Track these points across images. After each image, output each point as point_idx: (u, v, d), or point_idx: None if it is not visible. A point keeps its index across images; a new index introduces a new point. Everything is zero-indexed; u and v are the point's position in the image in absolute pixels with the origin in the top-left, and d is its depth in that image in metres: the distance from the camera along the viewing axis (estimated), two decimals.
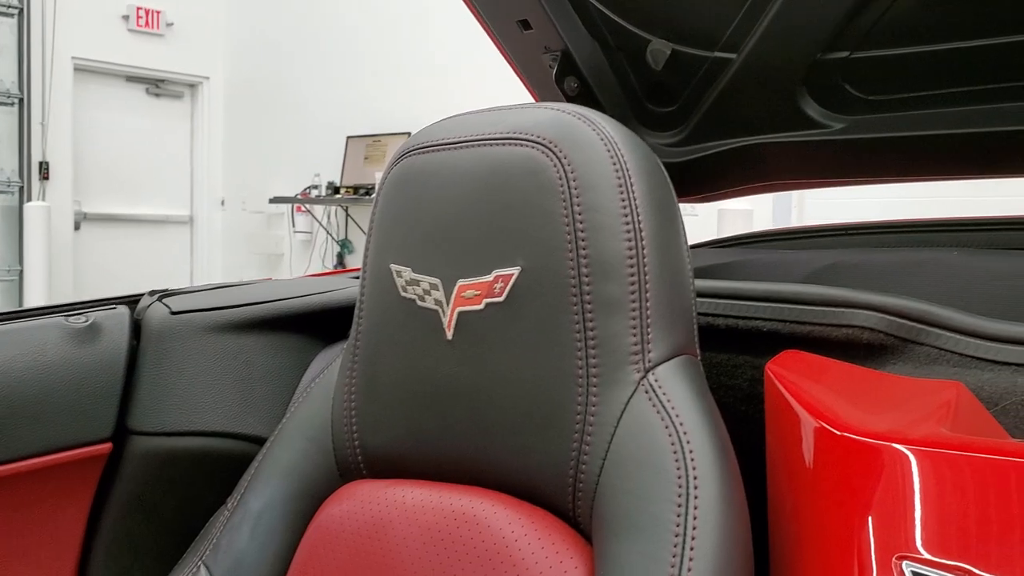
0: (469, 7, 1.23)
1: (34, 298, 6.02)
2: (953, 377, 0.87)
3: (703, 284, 1.01)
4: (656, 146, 1.30)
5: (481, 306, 0.76)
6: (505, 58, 1.28)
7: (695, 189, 1.32)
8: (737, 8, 1.11)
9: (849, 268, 1.16)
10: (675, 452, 0.68)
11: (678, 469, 0.67)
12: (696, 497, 0.66)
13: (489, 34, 1.26)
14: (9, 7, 6.01)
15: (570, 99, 1.24)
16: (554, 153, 0.73)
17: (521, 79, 1.30)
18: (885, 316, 0.90)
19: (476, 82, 5.08)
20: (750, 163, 1.23)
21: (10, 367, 0.93)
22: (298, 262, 6.59)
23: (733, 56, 1.16)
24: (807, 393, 0.83)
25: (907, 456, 0.76)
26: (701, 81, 1.21)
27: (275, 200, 6.37)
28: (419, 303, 0.79)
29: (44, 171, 6.26)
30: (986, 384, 0.85)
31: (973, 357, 0.86)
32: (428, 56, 5.49)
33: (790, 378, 0.86)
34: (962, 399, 0.84)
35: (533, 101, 0.80)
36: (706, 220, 3.84)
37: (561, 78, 1.22)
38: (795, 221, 4.77)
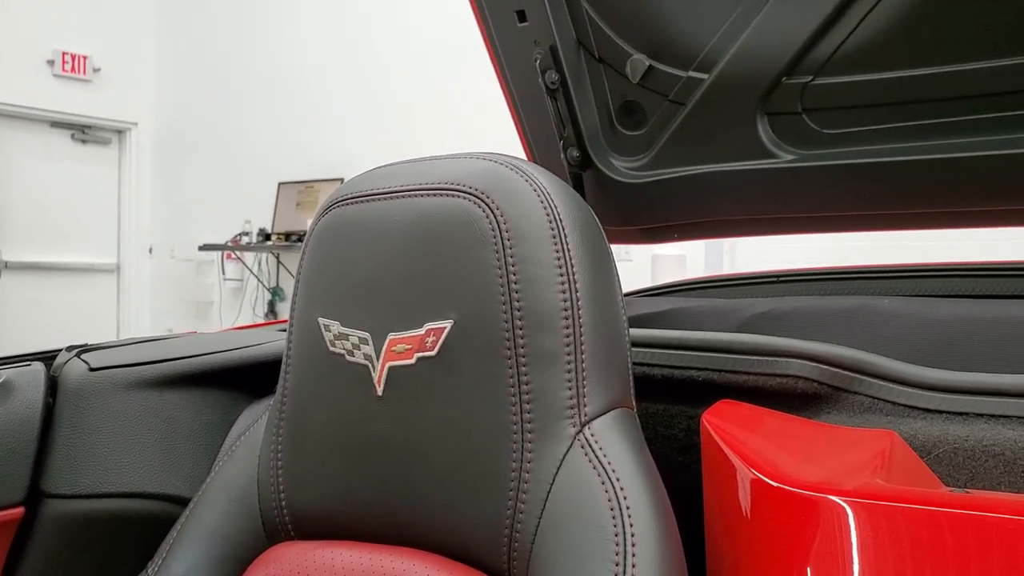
0: None
1: None
2: (887, 426, 0.87)
3: (638, 334, 1.00)
4: (621, 170, 1.31)
5: (412, 360, 0.74)
6: (490, 52, 1.32)
7: (648, 217, 1.33)
8: (717, 27, 1.14)
9: (783, 316, 1.17)
10: (612, 509, 0.66)
11: (615, 526, 0.66)
12: (634, 555, 0.64)
13: (482, 24, 1.30)
14: None
15: (549, 91, 1.26)
16: (487, 204, 0.72)
17: (500, 75, 1.34)
18: (818, 365, 0.90)
19: (410, 128, 5.09)
20: (702, 192, 1.25)
21: None
22: (228, 310, 6.47)
23: (705, 76, 1.18)
24: (743, 444, 0.83)
25: (843, 508, 0.76)
26: (672, 102, 1.24)
27: (205, 247, 6.26)
28: (348, 358, 0.77)
29: None
30: (919, 432, 0.85)
31: (906, 406, 0.87)
32: (361, 102, 5.49)
33: (726, 428, 0.85)
34: (896, 448, 0.84)
35: (467, 151, 0.79)
36: (641, 266, 3.87)
37: (544, 70, 1.25)
38: (727, 268, 4.84)
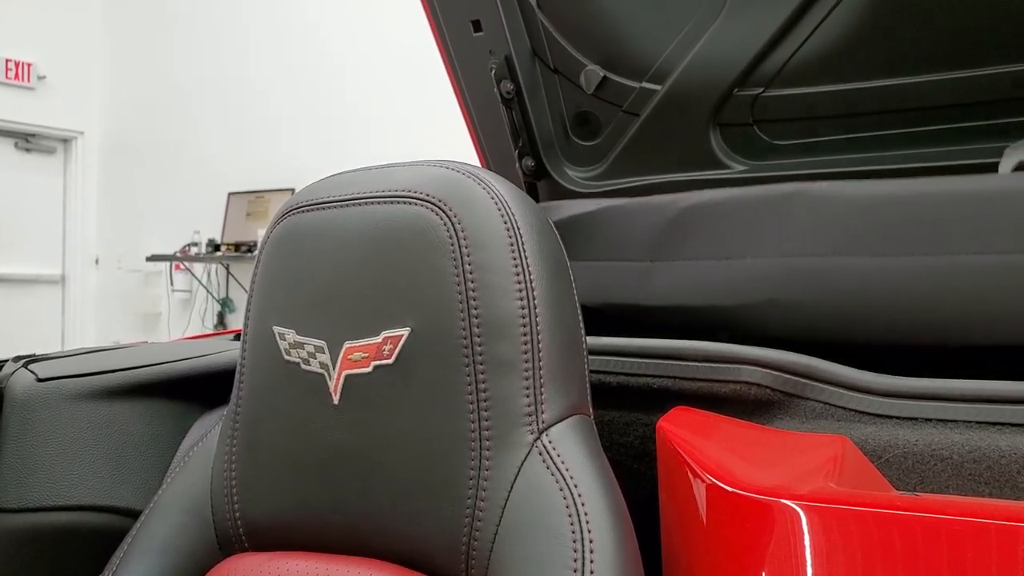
0: (425, 6, 1.27)
1: None
2: (838, 431, 0.89)
3: (595, 341, 1.01)
4: (575, 179, 1.32)
5: (369, 369, 0.73)
6: (445, 61, 1.32)
7: None
8: (670, 39, 1.16)
9: (713, 208, 1.12)
10: (569, 515, 0.66)
11: (573, 532, 0.66)
12: (592, 561, 0.65)
13: (437, 34, 1.31)
14: None
15: (505, 101, 1.27)
16: (444, 211, 0.72)
17: (456, 85, 1.34)
18: (770, 371, 0.92)
19: (365, 138, 5.07)
20: None
21: None
22: (177, 322, 6.37)
23: (658, 88, 1.19)
24: (697, 450, 0.84)
25: (796, 511, 0.77)
26: (625, 113, 1.25)
27: (152, 258, 6.16)
28: (303, 367, 0.76)
29: None
30: (870, 437, 0.87)
31: (856, 411, 0.88)
32: (313, 112, 5.46)
33: (681, 435, 0.86)
34: (847, 453, 0.85)
35: (422, 159, 0.79)
36: None
37: (499, 79, 1.26)
38: None
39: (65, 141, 6.91)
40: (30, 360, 1.00)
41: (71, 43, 6.71)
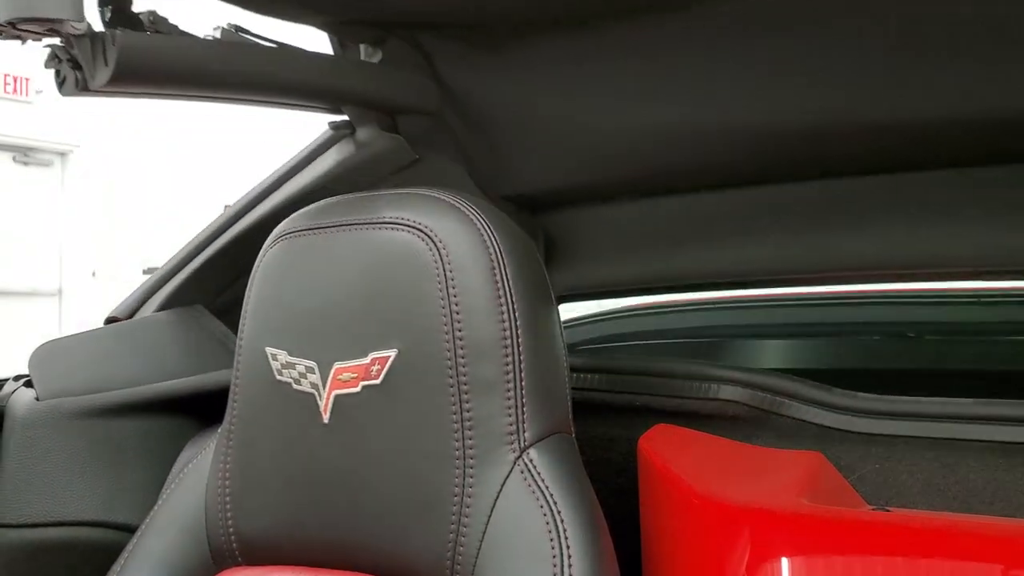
0: None
1: None
2: (813, 447, 0.91)
3: (578, 360, 1.03)
4: None
5: (358, 389, 0.76)
6: None
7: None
8: None
9: None
10: (550, 531, 0.69)
11: (553, 550, 0.68)
12: None
13: None
14: None
15: None
16: (430, 237, 0.75)
17: None
18: (748, 389, 0.94)
19: None
20: None
21: None
22: None
23: None
24: (678, 466, 0.86)
25: (772, 526, 0.79)
26: None
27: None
28: (295, 386, 0.78)
29: None
30: (843, 454, 0.90)
31: (830, 428, 0.91)
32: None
33: (662, 451, 0.89)
34: (822, 469, 0.88)
35: (408, 189, 0.82)
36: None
37: None
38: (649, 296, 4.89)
39: (62, 154, 6.93)
40: (30, 380, 1.02)
41: None
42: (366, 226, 0.78)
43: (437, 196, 0.78)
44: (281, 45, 0.91)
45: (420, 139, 1.04)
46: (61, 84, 0.79)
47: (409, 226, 0.76)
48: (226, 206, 1.17)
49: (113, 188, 6.86)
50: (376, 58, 1.01)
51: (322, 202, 0.85)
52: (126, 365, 1.05)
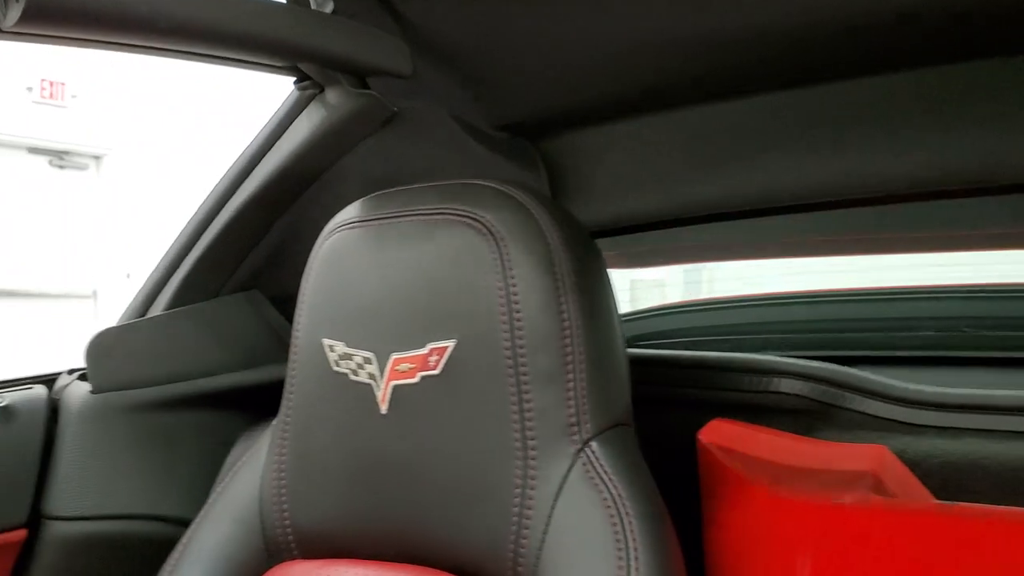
0: None
1: None
2: (877, 441, 0.89)
3: (636, 353, 1.02)
4: None
5: (416, 379, 0.75)
6: None
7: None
8: None
9: None
10: (614, 525, 0.68)
11: (618, 541, 0.67)
12: (637, 570, 0.66)
13: None
14: None
15: None
16: (487, 228, 0.74)
17: None
18: (809, 382, 0.93)
19: None
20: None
21: None
22: None
23: None
24: (740, 461, 0.85)
25: (838, 519, 0.77)
26: None
27: None
28: (352, 377, 0.78)
29: None
30: (908, 447, 0.88)
31: (896, 421, 0.89)
32: None
33: (722, 445, 0.87)
34: (887, 463, 0.86)
35: (463, 179, 0.81)
36: (619, 292, 3.89)
37: None
38: (705, 293, 4.86)
39: (97, 158, 7.01)
40: (84, 372, 1.02)
41: (102, 62, 6.82)
42: (422, 217, 0.77)
43: (494, 186, 0.78)
44: None
45: (393, 89, 0.97)
46: None
47: (466, 216, 0.75)
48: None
49: (146, 191, 6.93)
50: (327, 8, 0.92)
51: (377, 193, 0.84)
52: (180, 356, 1.05)
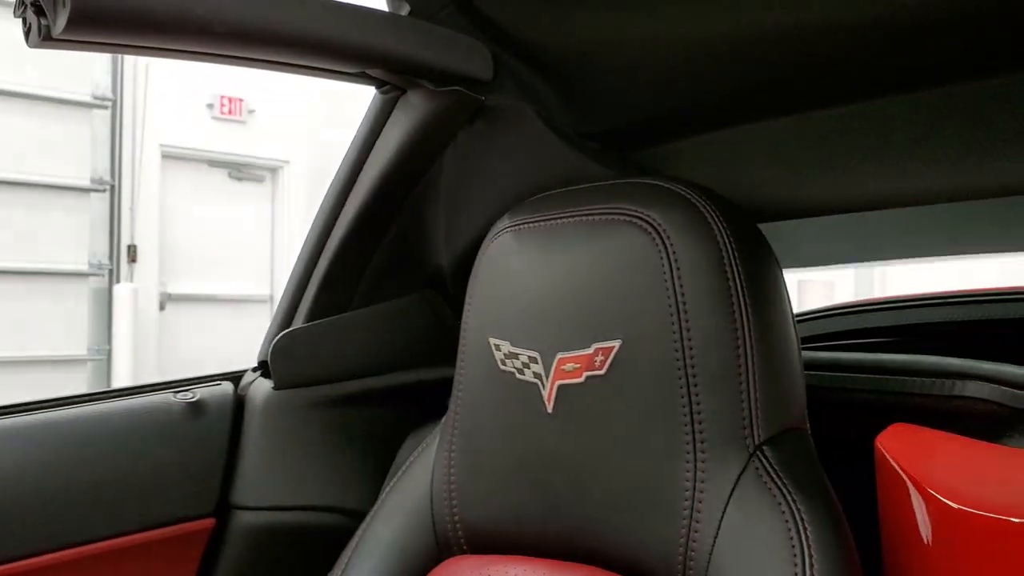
0: None
1: (121, 377, 6.17)
2: None
3: (812, 356, 0.99)
4: None
5: (581, 379, 0.75)
6: None
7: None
8: None
9: None
10: (790, 531, 0.66)
11: (792, 547, 0.65)
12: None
13: None
14: (104, 99, 6.31)
15: None
16: (654, 227, 0.73)
17: None
18: (999, 386, 0.87)
19: None
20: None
21: (124, 443, 0.96)
22: None
23: None
24: (920, 467, 0.81)
25: None
26: None
27: None
28: (518, 376, 0.79)
29: (132, 254, 6.48)
30: None
31: None
32: None
33: (902, 452, 0.83)
34: None
35: (630, 179, 0.80)
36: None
37: None
38: (877, 292, 4.67)
39: (273, 170, 7.37)
40: (267, 370, 1.08)
41: (276, 78, 7.16)
42: (588, 217, 0.77)
43: (662, 184, 0.77)
44: None
45: (475, 88, 0.93)
46: (27, 34, 0.70)
47: (632, 215, 0.75)
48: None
49: (319, 201, 7.22)
50: (403, 9, 0.88)
51: (543, 195, 0.85)
52: (356, 355, 1.09)
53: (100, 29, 0.68)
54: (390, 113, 0.99)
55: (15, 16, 0.70)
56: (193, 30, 0.72)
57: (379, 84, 0.94)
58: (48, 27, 0.67)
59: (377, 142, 1.01)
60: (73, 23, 0.65)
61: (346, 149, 1.07)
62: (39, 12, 0.68)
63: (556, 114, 1.00)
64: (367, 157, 1.03)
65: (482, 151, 1.00)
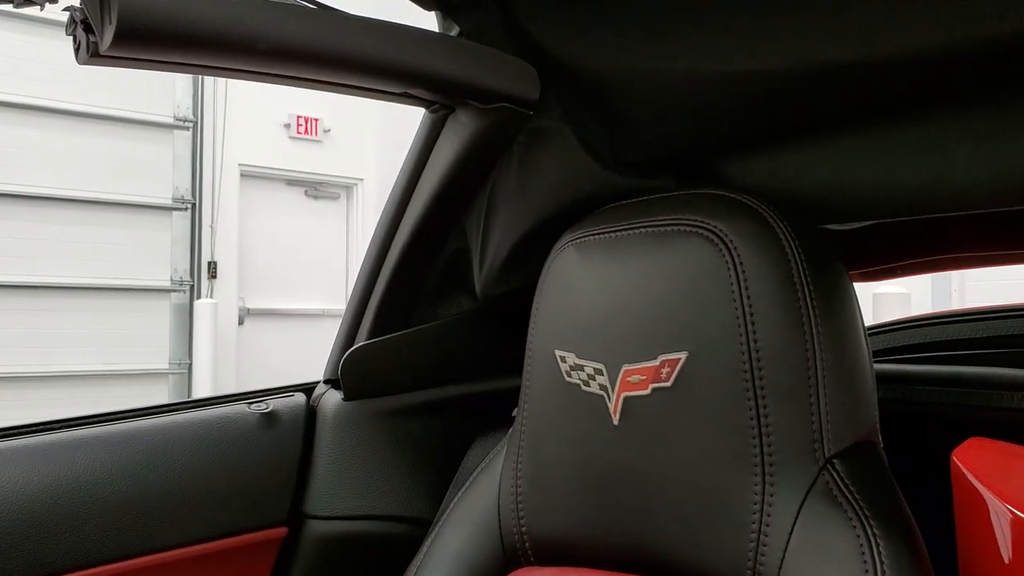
0: None
1: (201, 389, 6.33)
2: None
3: (884, 368, 0.97)
4: None
5: (648, 391, 0.75)
6: None
7: (864, 262, 1.27)
8: None
9: None
10: (861, 548, 0.64)
11: (864, 563, 0.64)
12: None
13: None
14: (185, 121, 6.51)
15: None
16: (720, 238, 0.73)
17: None
18: None
19: None
20: (932, 232, 1.12)
21: (199, 453, 0.98)
22: None
23: None
24: (999, 482, 0.78)
25: None
26: None
27: None
28: (584, 388, 0.79)
29: (212, 270, 6.66)
30: None
31: None
32: None
33: (979, 467, 0.81)
34: None
35: (694, 190, 0.79)
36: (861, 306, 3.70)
37: None
38: (955, 304, 4.54)
39: (347, 188, 7.51)
40: (338, 382, 1.10)
41: (351, 99, 7.30)
42: (653, 228, 0.77)
43: (729, 195, 0.76)
44: (333, 9, 0.77)
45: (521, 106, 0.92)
46: (77, 51, 0.71)
47: (698, 226, 0.74)
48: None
49: None
50: (453, 30, 0.88)
51: (607, 207, 0.85)
52: (422, 367, 1.10)
53: (145, 46, 0.69)
54: (439, 133, 1.00)
55: (67, 34, 0.72)
56: (237, 48, 0.72)
57: (427, 104, 0.96)
58: (96, 44, 0.68)
59: (428, 161, 1.02)
60: (119, 40, 0.66)
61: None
62: (87, 29, 0.69)
63: (598, 139, 0.99)
64: (420, 176, 1.04)
65: (520, 171, 1.00)
